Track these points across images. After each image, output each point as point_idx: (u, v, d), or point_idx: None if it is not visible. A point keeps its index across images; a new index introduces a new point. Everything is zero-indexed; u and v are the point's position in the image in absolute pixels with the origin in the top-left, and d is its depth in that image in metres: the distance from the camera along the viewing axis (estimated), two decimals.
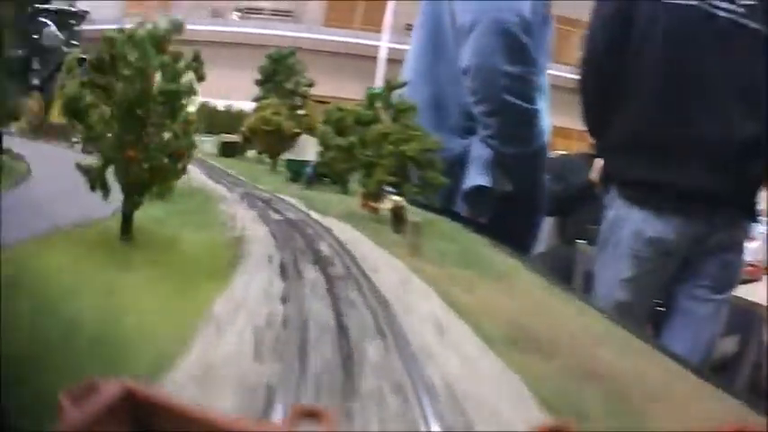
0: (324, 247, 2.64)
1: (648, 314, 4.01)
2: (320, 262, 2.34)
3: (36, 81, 13.37)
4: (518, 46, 4.13)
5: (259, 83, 11.38)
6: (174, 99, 2.45)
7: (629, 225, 3.86)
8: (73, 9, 20.44)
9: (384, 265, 2.45)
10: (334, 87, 24.44)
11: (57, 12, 16.90)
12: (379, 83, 23.33)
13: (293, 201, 4.00)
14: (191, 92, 2.58)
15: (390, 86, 3.85)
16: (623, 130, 3.97)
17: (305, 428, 0.78)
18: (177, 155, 2.44)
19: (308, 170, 5.77)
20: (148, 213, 2.69)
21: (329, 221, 3.34)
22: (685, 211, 3.73)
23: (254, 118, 8.09)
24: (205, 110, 20.78)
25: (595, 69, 4.07)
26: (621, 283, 3.88)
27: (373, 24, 26.32)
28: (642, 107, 3.88)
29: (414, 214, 3.41)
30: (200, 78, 2.79)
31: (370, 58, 25.46)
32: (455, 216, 4.08)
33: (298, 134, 7.69)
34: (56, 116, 13.46)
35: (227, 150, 10.76)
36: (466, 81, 4.44)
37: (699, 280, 3.90)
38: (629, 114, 3.91)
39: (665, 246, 3.78)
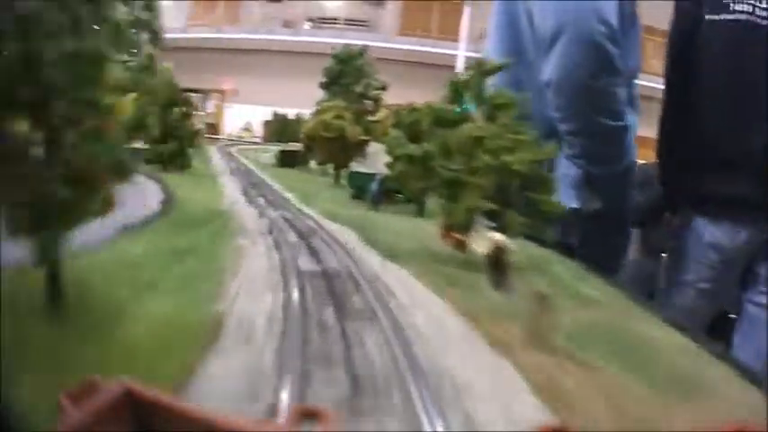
0: (371, 343, 1.54)
1: (717, 320, 4.00)
2: (359, 391, 1.18)
3: None
4: (606, 58, 3.71)
5: (324, 86, 10.30)
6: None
7: (695, 234, 3.92)
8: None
9: (483, 382, 1.28)
10: (409, 97, 24.24)
11: None
12: None
13: (347, 232, 2.92)
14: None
15: (483, 70, 2.66)
16: (691, 143, 4.04)
17: (305, 428, 0.80)
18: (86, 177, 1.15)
19: (374, 186, 4.80)
20: (125, 249, 2.19)
21: (391, 272, 2.28)
22: (745, 219, 3.76)
23: (314, 122, 6.99)
24: (276, 119, 20.47)
25: (667, 87, 4.22)
26: (692, 291, 3.93)
27: (449, 33, 25.34)
28: (705, 121, 3.93)
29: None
30: None
31: (446, 67, 23.94)
32: (562, 249, 3.44)
33: (365, 142, 6.65)
34: None
35: (287, 160, 9.82)
36: (548, 94, 3.95)
37: (761, 286, 3.85)
38: (696, 128, 3.97)
39: (728, 253, 3.81)
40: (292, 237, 2.73)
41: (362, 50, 9.55)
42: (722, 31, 3.79)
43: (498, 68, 2.75)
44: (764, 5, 3.69)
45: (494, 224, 2.43)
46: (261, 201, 4.23)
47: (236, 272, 2.08)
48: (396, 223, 3.42)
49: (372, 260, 2.43)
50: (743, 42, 3.75)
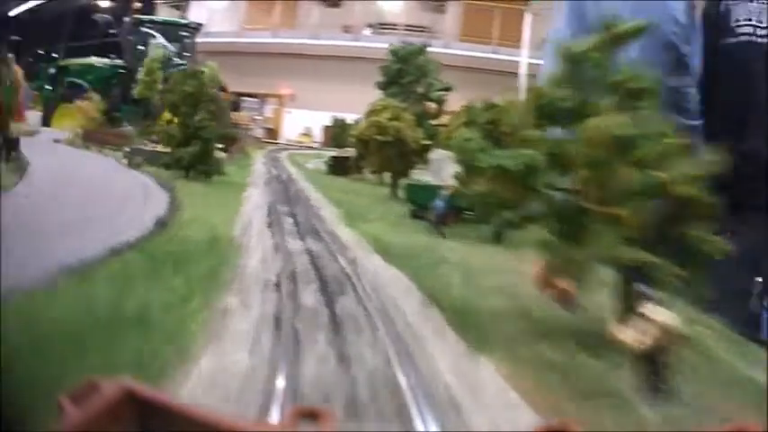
0: None
1: None
2: None
3: None
4: (680, 58, 3.63)
5: (382, 86, 9.48)
6: None
7: None
8: (183, 21, 20.24)
9: None
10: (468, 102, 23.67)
11: (164, 23, 16.49)
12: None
13: (399, 284, 2.00)
14: None
15: (614, 34, 1.74)
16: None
17: (304, 428, 0.79)
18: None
19: (439, 204, 4.09)
20: (72, 299, 1.75)
21: (483, 388, 1.26)
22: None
23: (366, 124, 6.15)
24: (336, 124, 19.99)
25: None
26: None
27: (510, 38, 24.23)
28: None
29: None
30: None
31: (507, 73, 23.44)
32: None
33: (428, 147, 5.80)
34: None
35: (338, 167, 9.01)
36: None
37: None
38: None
39: None
40: (310, 296, 1.81)
41: (423, 47, 8.76)
42: (730, 53, 3.98)
43: (638, 31, 1.82)
44: (764, 25, 3.90)
45: (628, 274, 1.48)
46: (287, 223, 3.75)
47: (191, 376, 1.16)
48: (469, 258, 2.96)
49: (441, 361, 1.48)
50: (747, 61, 3.93)
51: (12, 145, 8.10)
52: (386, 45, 24.25)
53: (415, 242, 3.35)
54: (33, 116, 15.92)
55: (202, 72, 9.24)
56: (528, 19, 23.03)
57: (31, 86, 18.95)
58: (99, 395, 0.79)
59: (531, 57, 22.57)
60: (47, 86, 14.73)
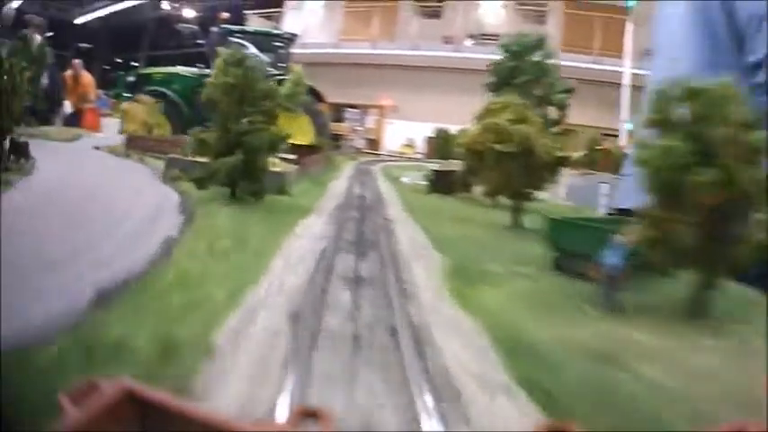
0: None
1: None
2: None
3: None
4: None
5: (492, 87, 8.66)
6: None
7: None
8: (276, 31, 20.01)
9: None
10: (573, 114, 22.76)
11: (255, 33, 16.54)
12: (624, 110, 21.44)
13: None
14: None
15: None
16: None
17: (305, 428, 0.79)
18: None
19: (612, 258, 2.88)
20: None
21: None
22: None
23: (479, 128, 4.95)
24: (439, 135, 19.38)
25: None
26: None
27: (611, 48, 23.94)
28: None
29: None
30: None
31: (609, 84, 23.11)
32: None
33: (563, 161, 4.66)
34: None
35: (440, 184, 7.88)
36: (757, 77, 4.09)
37: None
38: None
39: None
40: None
41: (541, 40, 7.80)
42: None
43: None
44: None
45: None
46: (343, 298, 2.27)
47: None
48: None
49: None
50: None
51: (20, 150, 7.62)
52: (487, 56, 24.14)
53: (575, 337, 2.01)
54: (112, 123, 15.97)
55: (251, 59, 8.03)
56: (630, 28, 22.42)
57: (108, 94, 19.42)
58: (99, 395, 0.79)
59: (634, 67, 22.00)
60: (125, 94, 14.47)
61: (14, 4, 11.59)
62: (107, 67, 34.85)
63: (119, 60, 36.58)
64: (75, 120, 13.60)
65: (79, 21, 34.81)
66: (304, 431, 0.79)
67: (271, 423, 1.08)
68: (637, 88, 20.86)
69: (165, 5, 33.57)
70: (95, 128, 13.39)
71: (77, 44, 31.01)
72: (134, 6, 34.34)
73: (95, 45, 35.03)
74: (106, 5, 34.58)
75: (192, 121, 12.88)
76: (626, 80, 21.62)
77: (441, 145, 17.66)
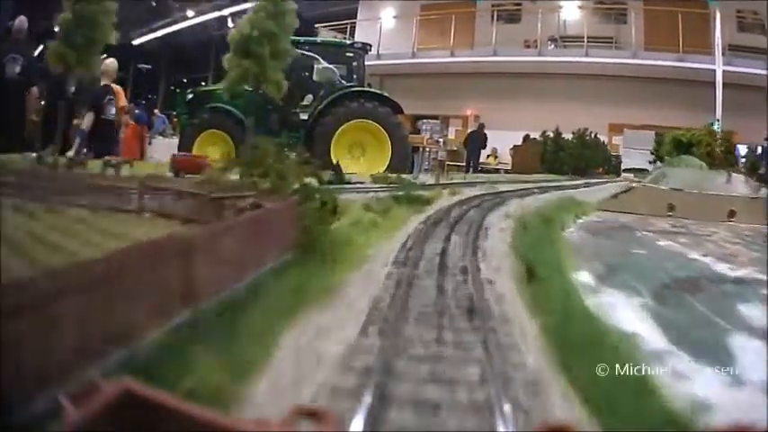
0: None
1: None
2: None
3: (304, 116, 13.85)
4: None
5: None
6: None
7: None
8: (347, 42, 19.22)
9: None
10: (659, 116, 23.24)
11: (324, 44, 16.03)
12: (718, 110, 21.25)
13: None
14: None
15: None
16: None
17: (305, 428, 0.83)
18: None
19: None
20: None
21: None
22: None
23: None
24: (540, 142, 19.46)
25: None
26: None
27: (697, 45, 24.17)
28: None
29: None
30: None
31: (698, 83, 23.41)
32: None
33: None
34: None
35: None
36: None
37: None
38: None
39: None
40: None
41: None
42: None
43: None
44: None
45: None
46: None
47: None
48: None
49: None
50: None
51: None
52: (570, 59, 25.31)
53: None
54: (165, 143, 15.91)
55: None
56: (718, 21, 22.61)
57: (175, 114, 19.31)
58: (99, 395, 0.83)
59: (726, 64, 22.41)
60: (183, 114, 14.41)
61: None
62: (174, 88, 35.91)
63: (185, 80, 38.25)
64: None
65: (138, 41, 35.76)
66: (304, 431, 0.82)
67: (270, 423, 1.02)
68: (730, 86, 21.72)
69: (230, 23, 35.24)
70: (132, 156, 11.66)
71: (137, 65, 32.72)
72: (198, 24, 35.36)
73: (157, 65, 36.71)
74: (168, 25, 35.76)
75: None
76: (719, 78, 21.81)
77: (548, 153, 17.00)
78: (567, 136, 18.74)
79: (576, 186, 10.60)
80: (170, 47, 37.27)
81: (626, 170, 19.48)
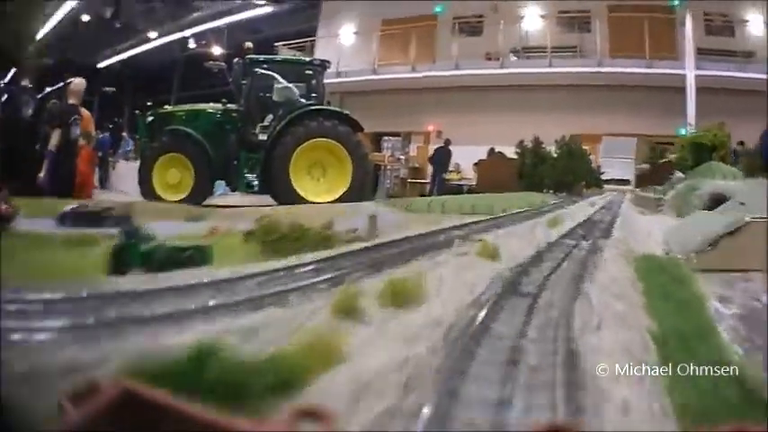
0: None
1: None
2: None
3: (264, 137, 12.34)
4: None
5: None
6: None
7: None
8: (306, 59, 17.84)
9: None
10: (628, 123, 21.52)
11: (283, 62, 14.71)
12: (690, 115, 19.66)
13: None
14: None
15: None
16: None
17: (305, 428, 0.79)
18: None
19: None
20: None
21: None
22: None
23: None
24: (498, 158, 17.19)
25: None
26: None
27: (664, 50, 22.35)
28: None
29: None
30: None
31: (667, 89, 21.36)
32: None
33: None
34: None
35: None
36: None
37: None
38: None
39: None
40: None
41: None
42: None
43: None
44: None
45: None
46: None
47: None
48: None
49: None
50: None
51: None
52: (533, 70, 22.59)
53: None
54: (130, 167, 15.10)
55: None
56: (689, 28, 21.00)
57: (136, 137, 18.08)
58: (99, 395, 0.80)
59: (699, 68, 20.88)
60: (143, 137, 13.20)
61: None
62: (137, 111, 34.07)
63: (150, 103, 35.85)
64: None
65: (102, 65, 34.18)
66: (303, 431, 0.76)
67: (270, 423, 0.96)
68: (704, 91, 20.17)
69: (192, 44, 33.13)
70: (86, 178, 11.03)
71: (102, 88, 30.07)
72: (161, 47, 33.58)
73: (122, 88, 34.45)
74: (131, 47, 33.96)
75: (219, 164, 12.03)
76: (690, 82, 20.33)
77: (526, 167, 13.91)
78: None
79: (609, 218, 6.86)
80: (134, 69, 35.66)
81: (607, 181, 16.67)
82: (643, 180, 16.50)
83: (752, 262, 3.54)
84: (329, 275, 2.67)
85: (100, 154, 18.19)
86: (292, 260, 3.03)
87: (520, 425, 1.40)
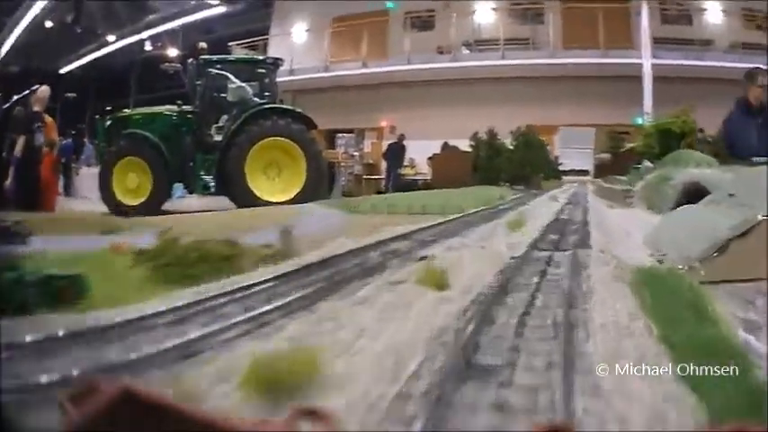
0: None
1: None
2: None
3: (219, 138, 12.02)
4: None
5: None
6: None
7: None
8: (258, 57, 17.54)
9: None
10: (583, 114, 20.78)
11: (236, 61, 14.15)
12: (647, 104, 19.19)
13: None
14: None
15: None
16: None
17: (305, 428, 0.76)
18: None
19: None
20: None
21: None
22: None
23: None
24: (453, 152, 16.57)
25: None
26: None
27: (619, 41, 21.60)
28: None
29: None
30: None
31: (624, 78, 20.87)
32: None
33: None
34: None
35: None
36: None
37: None
38: None
39: None
40: None
41: None
42: None
43: None
44: None
45: None
46: None
47: None
48: None
49: None
50: None
51: None
52: (486, 62, 21.92)
53: None
54: (92, 173, 14.67)
55: None
56: (645, 17, 20.63)
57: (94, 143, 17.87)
58: (99, 395, 0.77)
59: (656, 57, 20.51)
60: (102, 141, 12.85)
61: None
62: (98, 116, 33.14)
63: (109, 107, 34.85)
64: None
65: (65, 70, 33.00)
66: (303, 431, 0.74)
67: (270, 423, 0.90)
68: (662, 80, 19.77)
69: (149, 46, 32.09)
70: (49, 185, 10.78)
71: (64, 94, 29.08)
72: (119, 50, 32.57)
73: (83, 93, 33.45)
74: (91, 51, 32.86)
75: (176, 166, 11.66)
76: (647, 70, 19.88)
77: (481, 160, 13.09)
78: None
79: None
80: (95, 74, 34.22)
81: (566, 172, 16.15)
82: (603, 170, 15.84)
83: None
84: (187, 339, 1.70)
85: (63, 160, 18.02)
86: (154, 305, 2.09)
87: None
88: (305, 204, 7.75)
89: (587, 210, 5.61)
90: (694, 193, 5.89)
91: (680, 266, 2.97)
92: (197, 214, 8.45)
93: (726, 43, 21.37)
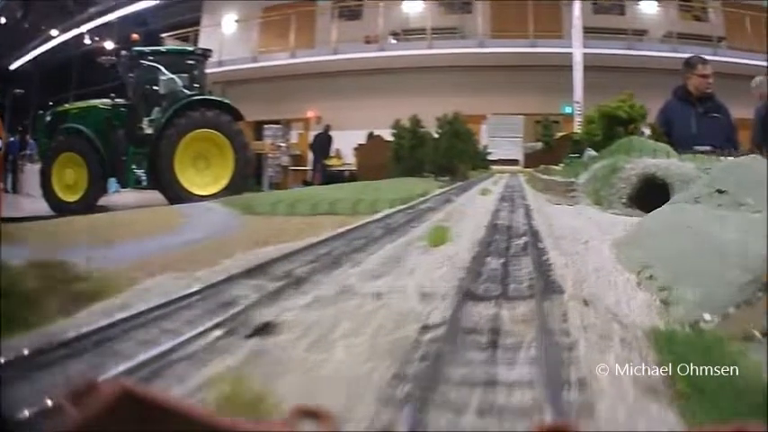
0: None
1: None
2: None
3: (150, 131, 11.77)
4: None
5: None
6: None
7: None
8: (188, 48, 16.55)
9: None
10: (512, 103, 20.22)
11: (166, 52, 13.51)
12: (578, 93, 18.57)
13: None
14: None
15: None
16: None
17: (305, 428, 0.74)
18: None
19: None
20: None
21: None
22: None
23: None
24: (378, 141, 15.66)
25: None
26: None
27: (549, 30, 21.07)
28: None
29: None
30: None
31: (554, 67, 19.95)
32: None
33: None
34: None
35: None
36: None
37: None
38: None
39: None
40: None
41: None
42: None
43: None
44: None
45: None
46: None
47: None
48: None
49: None
50: None
51: None
52: (413, 52, 21.03)
53: None
54: (36, 170, 14.05)
55: None
56: (577, 5, 19.60)
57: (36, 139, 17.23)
58: (98, 395, 0.76)
59: (588, 46, 19.67)
60: (43, 137, 12.53)
61: None
62: (40, 112, 31.97)
63: (51, 103, 33.45)
64: None
65: (14, 66, 32.00)
66: (303, 431, 0.71)
67: (270, 423, 0.88)
68: (593, 69, 19.09)
69: (87, 40, 31.27)
70: None
71: (13, 90, 28.03)
72: (61, 44, 31.56)
73: (30, 89, 31.84)
74: (36, 46, 31.75)
75: (111, 161, 11.52)
76: (578, 59, 19.05)
77: (410, 147, 11.86)
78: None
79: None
80: (39, 69, 33.00)
81: (494, 162, 15.57)
82: (534, 159, 15.08)
83: None
84: None
85: (11, 158, 18.33)
86: None
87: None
88: (201, 203, 6.47)
89: (529, 209, 4.38)
90: (653, 186, 4.99)
91: (706, 317, 1.75)
92: (77, 218, 6.93)
93: (660, 33, 21.17)
